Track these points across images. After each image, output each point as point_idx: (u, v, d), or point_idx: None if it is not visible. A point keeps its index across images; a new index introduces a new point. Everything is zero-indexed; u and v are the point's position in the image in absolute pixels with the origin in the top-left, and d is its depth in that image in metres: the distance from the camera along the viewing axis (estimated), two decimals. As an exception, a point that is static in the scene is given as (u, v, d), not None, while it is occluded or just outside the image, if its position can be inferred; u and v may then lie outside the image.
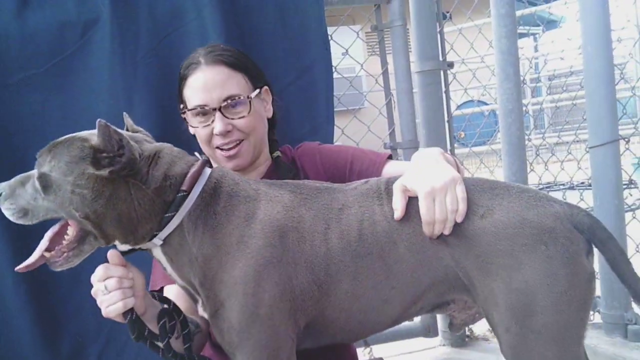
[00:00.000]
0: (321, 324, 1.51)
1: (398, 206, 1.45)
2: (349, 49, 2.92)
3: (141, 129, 1.65)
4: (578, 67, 5.31)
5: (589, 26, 2.83)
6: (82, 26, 2.07)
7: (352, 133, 3.05)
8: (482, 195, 1.46)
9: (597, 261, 2.80)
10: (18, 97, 2.03)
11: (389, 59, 3.00)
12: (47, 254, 1.45)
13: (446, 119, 3.21)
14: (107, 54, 2.08)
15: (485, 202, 1.44)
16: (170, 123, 2.04)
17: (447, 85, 3.31)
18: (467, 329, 3.33)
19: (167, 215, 1.43)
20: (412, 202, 1.47)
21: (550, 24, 8.58)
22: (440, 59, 3.12)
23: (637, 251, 3.14)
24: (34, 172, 1.44)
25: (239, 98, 1.76)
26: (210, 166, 1.56)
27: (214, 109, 1.74)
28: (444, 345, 3.32)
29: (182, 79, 1.81)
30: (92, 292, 1.52)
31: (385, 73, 2.96)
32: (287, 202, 1.50)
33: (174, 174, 1.46)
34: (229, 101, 1.74)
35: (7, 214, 1.44)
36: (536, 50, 9.96)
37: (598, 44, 2.81)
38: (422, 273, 1.49)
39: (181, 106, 1.82)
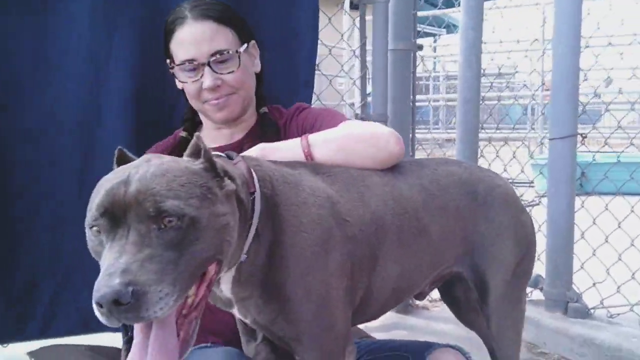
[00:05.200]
0: (366, 300, 1.44)
1: None
2: (331, 18, 2.83)
3: None
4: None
5: (562, 27, 2.85)
6: None
7: (327, 100, 2.98)
8: (481, 170, 1.72)
9: (544, 242, 2.88)
10: None
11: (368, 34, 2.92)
12: None
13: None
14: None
15: (486, 174, 1.68)
16: (152, 67, 1.92)
17: (414, 66, 3.28)
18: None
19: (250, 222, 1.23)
20: (426, 170, 1.59)
21: (450, 28, 8.61)
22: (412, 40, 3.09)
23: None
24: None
25: (228, 53, 1.66)
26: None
27: (203, 64, 1.64)
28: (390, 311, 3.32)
29: (168, 34, 1.70)
30: None
31: (363, 47, 2.87)
32: (319, 180, 1.41)
33: (235, 175, 1.21)
34: (217, 56, 1.64)
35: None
36: (435, 50, 10.18)
37: (568, 44, 2.83)
38: (445, 241, 1.55)
39: (168, 61, 1.71)
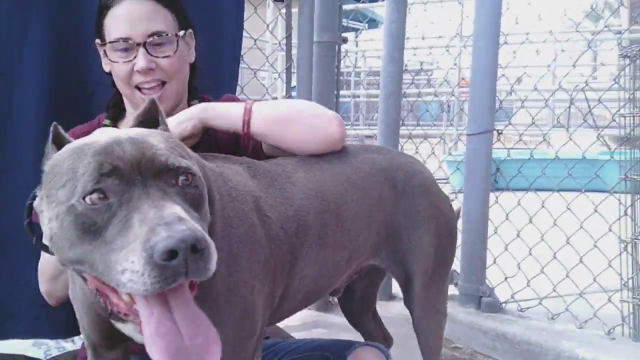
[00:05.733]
0: (281, 301, 1.38)
1: None
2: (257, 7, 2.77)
3: None
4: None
5: (483, 21, 2.91)
6: None
7: (251, 93, 2.92)
8: (401, 156, 1.68)
9: (459, 238, 2.94)
10: None
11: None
12: None
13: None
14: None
15: (406, 160, 1.65)
16: (67, 55, 1.84)
17: (339, 60, 3.27)
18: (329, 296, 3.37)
19: None
20: (350, 158, 1.55)
21: (372, 22, 8.70)
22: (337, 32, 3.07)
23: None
24: None
25: (166, 35, 1.56)
26: None
27: (138, 44, 1.53)
28: (309, 309, 3.30)
29: (103, 9, 1.58)
30: None
31: (288, 38, 2.83)
32: (240, 173, 1.34)
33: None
34: (154, 37, 1.54)
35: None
36: (357, 45, 10.31)
37: (488, 39, 2.90)
38: (364, 233, 1.51)
39: (98, 40, 1.60)
